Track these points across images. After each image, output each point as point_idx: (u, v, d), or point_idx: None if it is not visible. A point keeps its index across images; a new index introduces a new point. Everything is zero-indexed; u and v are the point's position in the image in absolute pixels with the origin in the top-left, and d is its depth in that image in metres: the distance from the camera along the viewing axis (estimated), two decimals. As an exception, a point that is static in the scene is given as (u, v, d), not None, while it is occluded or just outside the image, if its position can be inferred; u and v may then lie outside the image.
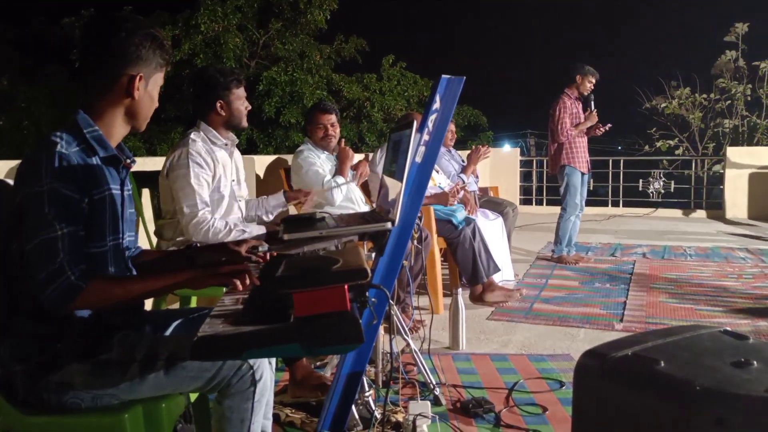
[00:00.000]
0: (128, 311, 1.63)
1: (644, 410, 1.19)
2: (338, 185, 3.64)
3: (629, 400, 1.22)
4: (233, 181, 2.83)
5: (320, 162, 3.72)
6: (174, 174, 2.63)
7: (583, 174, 5.61)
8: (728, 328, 1.44)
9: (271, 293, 1.31)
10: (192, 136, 2.71)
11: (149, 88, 1.59)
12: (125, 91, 1.55)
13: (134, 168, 1.72)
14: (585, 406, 1.35)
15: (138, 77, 1.55)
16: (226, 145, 2.81)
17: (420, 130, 1.87)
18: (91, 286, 1.40)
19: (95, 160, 1.53)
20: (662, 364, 1.22)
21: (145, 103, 1.60)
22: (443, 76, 1.90)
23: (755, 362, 1.20)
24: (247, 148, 13.52)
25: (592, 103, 5.54)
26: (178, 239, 2.70)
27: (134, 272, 1.71)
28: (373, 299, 1.47)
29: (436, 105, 1.91)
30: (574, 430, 1.38)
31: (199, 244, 2.58)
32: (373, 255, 2.00)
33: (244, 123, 2.82)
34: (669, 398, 1.15)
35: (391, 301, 1.79)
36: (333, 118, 3.79)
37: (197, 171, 2.61)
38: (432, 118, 1.90)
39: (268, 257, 1.78)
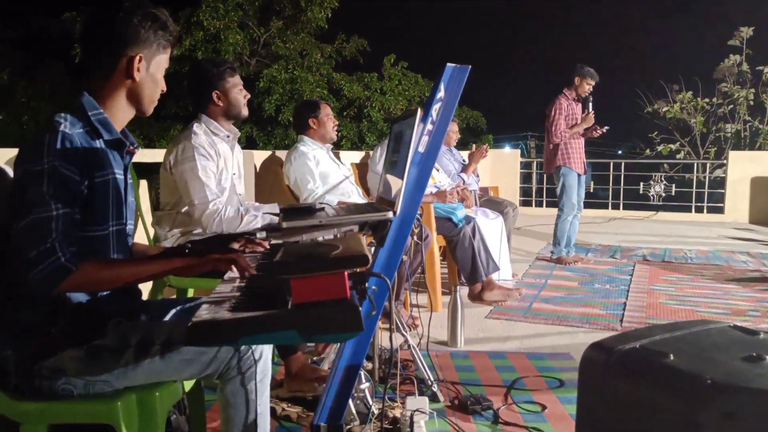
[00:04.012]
0: (125, 299, 1.59)
1: (652, 404, 1.15)
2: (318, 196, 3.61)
3: (637, 393, 1.18)
4: (234, 174, 2.80)
5: (320, 156, 3.69)
6: (180, 168, 2.58)
7: (579, 175, 5.58)
8: (738, 323, 1.41)
9: (269, 279, 1.28)
10: (194, 128, 2.68)
11: (152, 70, 1.56)
12: (125, 73, 1.53)
13: (133, 159, 1.70)
14: (590, 399, 1.31)
15: (137, 58, 1.52)
16: (228, 137, 2.78)
17: (423, 119, 1.83)
18: (81, 268, 1.37)
19: (99, 143, 1.51)
20: (671, 357, 1.19)
21: (148, 86, 1.57)
22: (448, 64, 1.86)
23: (767, 357, 1.17)
24: (247, 145, 13.49)
25: (590, 105, 5.50)
26: (176, 230, 2.67)
27: None
28: (373, 287, 1.44)
29: (441, 94, 1.86)
30: (578, 423, 1.34)
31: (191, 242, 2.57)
32: (373, 248, 1.96)
33: (245, 111, 2.79)
34: (678, 392, 1.12)
35: (391, 295, 1.75)
36: None
37: (204, 163, 2.58)
38: (436, 107, 1.86)
39: (267, 245, 1.75)
